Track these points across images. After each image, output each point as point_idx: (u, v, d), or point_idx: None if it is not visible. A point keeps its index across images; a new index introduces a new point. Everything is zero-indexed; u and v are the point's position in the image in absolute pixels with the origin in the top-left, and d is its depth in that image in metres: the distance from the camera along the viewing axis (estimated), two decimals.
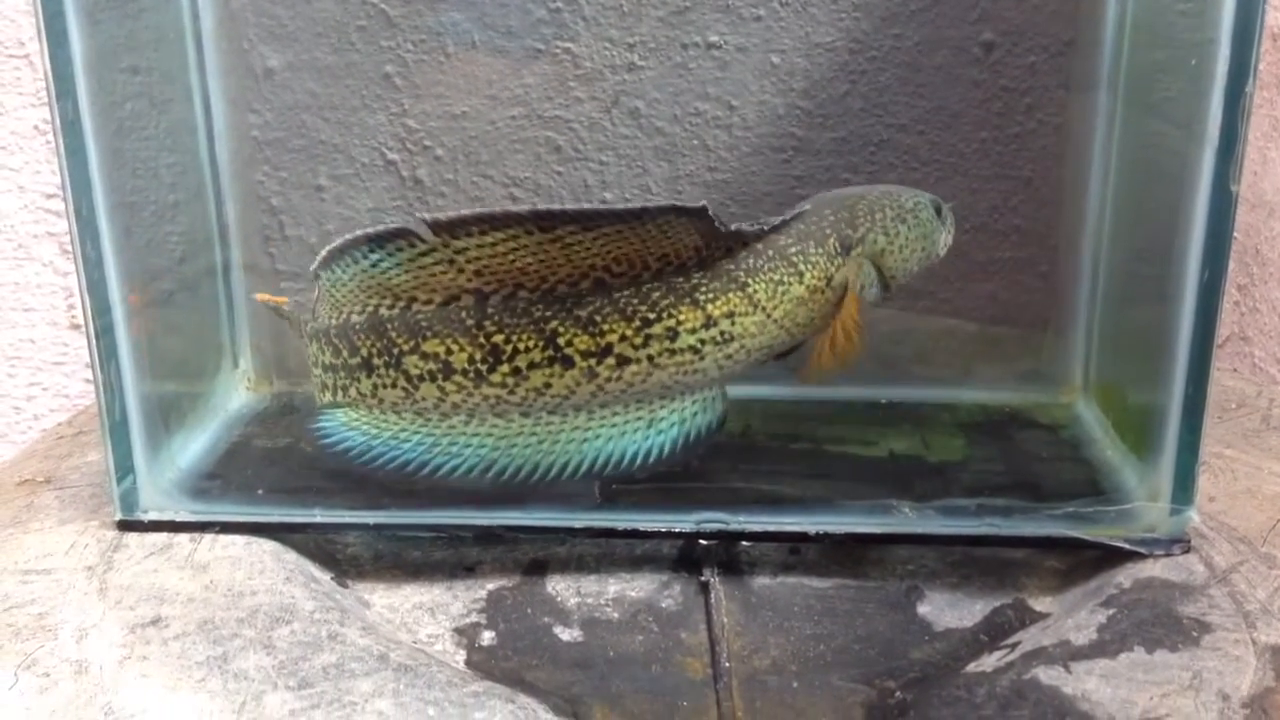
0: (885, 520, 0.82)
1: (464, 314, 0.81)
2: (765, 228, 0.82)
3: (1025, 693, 0.67)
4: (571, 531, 0.83)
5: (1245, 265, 1.24)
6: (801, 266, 0.82)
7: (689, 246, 0.80)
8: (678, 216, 0.78)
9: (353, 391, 0.84)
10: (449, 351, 0.81)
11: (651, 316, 0.80)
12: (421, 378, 0.82)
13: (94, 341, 0.81)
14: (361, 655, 0.71)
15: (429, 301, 0.81)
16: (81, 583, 0.77)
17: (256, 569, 0.79)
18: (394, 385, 0.83)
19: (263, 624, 0.73)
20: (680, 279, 0.81)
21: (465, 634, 0.78)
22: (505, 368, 0.81)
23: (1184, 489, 0.79)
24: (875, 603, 0.81)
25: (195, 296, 0.98)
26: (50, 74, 0.76)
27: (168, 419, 0.89)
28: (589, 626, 0.79)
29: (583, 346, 0.81)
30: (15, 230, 1.23)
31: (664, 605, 0.81)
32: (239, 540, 0.82)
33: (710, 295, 0.81)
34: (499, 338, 0.80)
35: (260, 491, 0.87)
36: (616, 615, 0.80)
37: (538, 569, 0.85)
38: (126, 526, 0.83)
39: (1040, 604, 0.80)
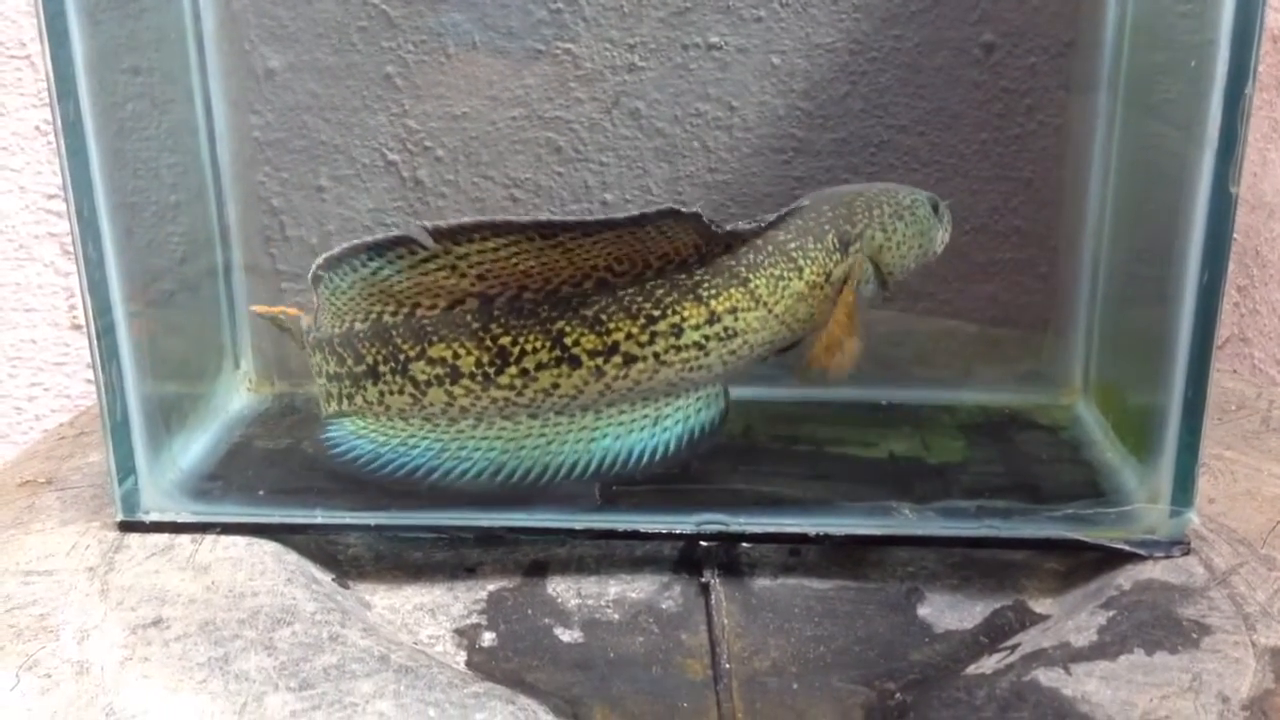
0: (885, 522, 0.82)
1: (469, 318, 0.80)
2: (762, 224, 0.82)
3: (1025, 694, 0.67)
4: (572, 533, 0.84)
5: (1245, 267, 1.24)
6: (801, 262, 0.82)
7: (689, 244, 0.80)
8: (674, 220, 0.78)
9: (359, 400, 0.84)
10: (456, 355, 0.81)
11: (656, 314, 0.81)
12: (429, 383, 0.82)
13: (95, 342, 0.81)
14: (362, 656, 0.71)
15: (433, 307, 0.81)
16: (83, 584, 0.77)
17: (258, 570, 0.79)
18: (401, 391, 0.83)
19: (264, 625, 0.73)
20: (683, 276, 0.81)
21: (466, 635, 0.78)
22: (513, 369, 0.81)
23: (1184, 491, 0.79)
24: (875, 604, 0.81)
25: (196, 297, 0.98)
26: (52, 75, 0.76)
27: (169, 420, 0.89)
28: (589, 628, 0.79)
29: (589, 346, 0.81)
30: (17, 231, 1.23)
31: (664, 606, 0.81)
32: (240, 541, 0.82)
33: (713, 291, 0.81)
34: (506, 340, 0.80)
35: (261, 492, 0.87)
36: (617, 616, 0.80)
37: (538, 570, 0.85)
38: (128, 527, 0.83)
39: (1040, 606, 0.80)
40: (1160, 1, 0.88)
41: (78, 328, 1.26)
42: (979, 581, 0.83)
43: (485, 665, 0.75)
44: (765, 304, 0.82)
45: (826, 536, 0.82)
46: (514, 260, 0.78)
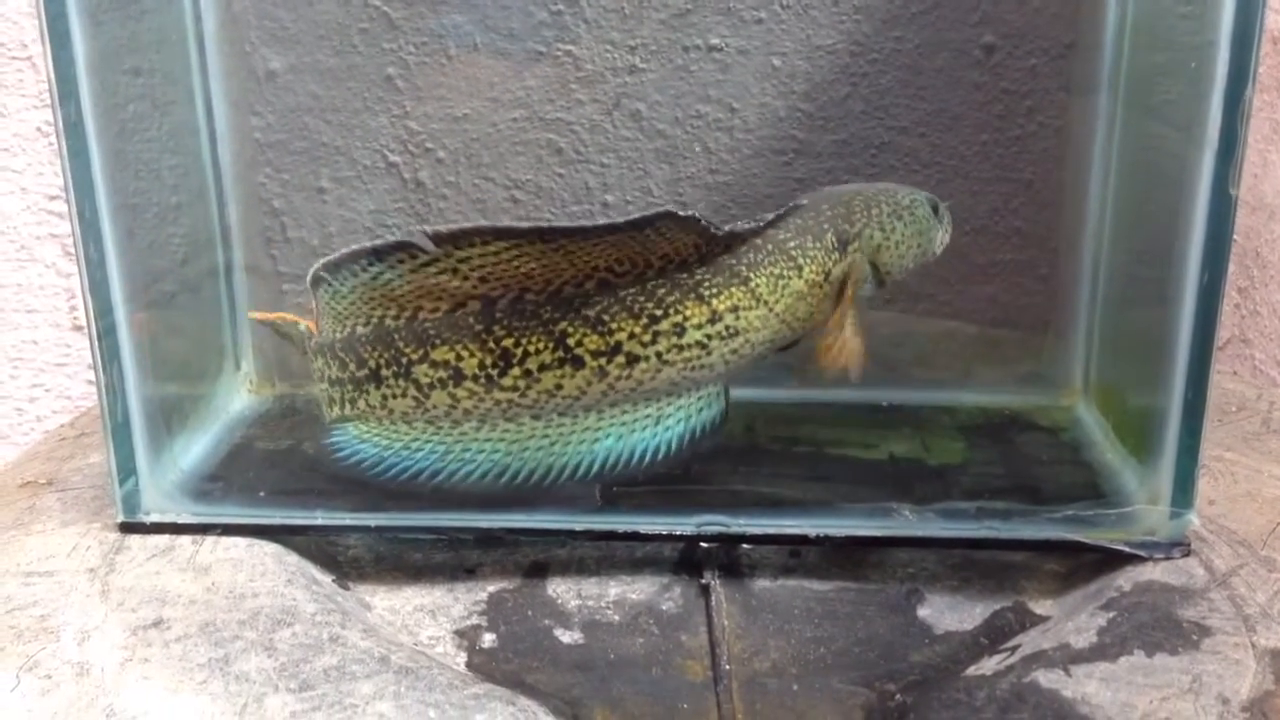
0: (885, 523, 0.82)
1: (472, 320, 0.80)
2: (761, 224, 0.82)
3: (1025, 696, 0.67)
4: (572, 534, 0.84)
5: (1246, 268, 1.24)
6: (800, 261, 0.82)
7: (689, 244, 0.80)
8: (671, 222, 0.78)
9: (361, 404, 0.84)
10: (459, 358, 0.81)
11: (659, 313, 0.81)
12: (432, 386, 0.82)
13: (96, 343, 0.81)
14: (362, 657, 0.71)
15: (435, 310, 0.81)
16: (84, 585, 0.77)
17: (258, 571, 0.79)
18: (404, 395, 0.82)
19: (264, 626, 0.73)
20: (684, 275, 0.81)
21: (466, 636, 0.78)
22: (516, 371, 0.81)
23: (1184, 492, 0.79)
24: (875, 605, 0.81)
25: (197, 298, 0.98)
26: (53, 76, 0.76)
27: (170, 421, 0.89)
28: (590, 629, 0.79)
29: (593, 346, 0.81)
30: (18, 232, 1.23)
31: (664, 608, 0.81)
32: (241, 542, 0.82)
33: (714, 290, 0.81)
34: (509, 341, 0.80)
35: (262, 494, 0.87)
36: (617, 618, 0.80)
37: (538, 571, 0.85)
38: (128, 528, 0.83)
39: (1040, 607, 0.80)
40: (1160, 3, 0.88)
41: (79, 329, 1.26)
42: (979, 583, 0.83)
43: (485, 666, 0.76)
44: (766, 302, 0.82)
45: (827, 538, 0.82)
46: (515, 262, 0.78)
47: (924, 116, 0.99)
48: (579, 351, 0.81)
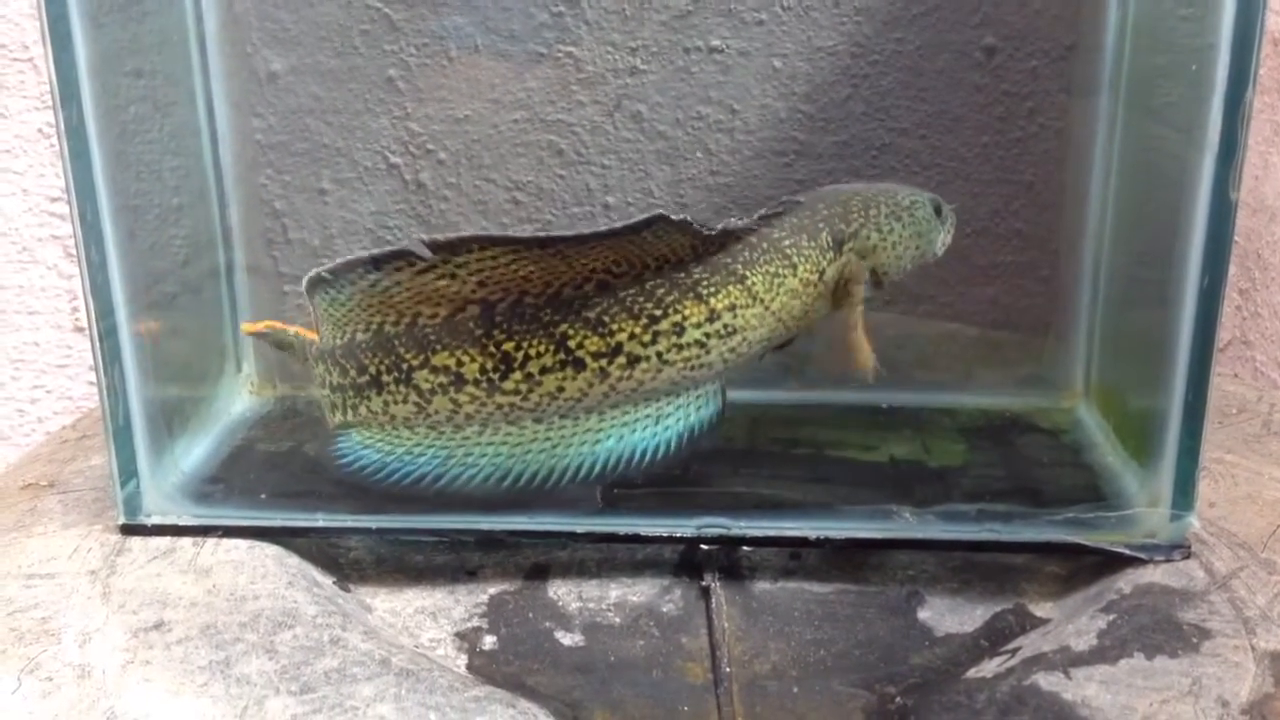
0: (886, 525, 0.82)
1: (472, 324, 0.80)
2: (754, 221, 0.82)
3: (1025, 698, 0.67)
4: (573, 536, 0.84)
5: (1247, 270, 1.24)
6: (795, 259, 0.82)
7: (685, 244, 0.80)
8: (664, 226, 0.78)
9: (363, 410, 0.84)
10: (460, 363, 0.81)
11: (658, 313, 0.81)
12: (433, 391, 0.82)
13: (97, 345, 0.81)
14: (363, 660, 0.71)
15: (434, 315, 0.81)
16: (85, 587, 0.77)
17: (259, 573, 0.79)
18: (405, 401, 0.82)
19: (265, 628, 0.73)
20: (682, 275, 0.81)
21: (467, 638, 0.79)
22: (518, 374, 0.81)
23: (1184, 494, 0.79)
24: (876, 608, 0.81)
25: (199, 300, 0.98)
26: (54, 78, 0.76)
27: (171, 423, 0.89)
28: (590, 631, 0.79)
29: (593, 348, 0.81)
30: (19, 233, 1.23)
31: (665, 610, 0.81)
32: (242, 544, 0.82)
33: (712, 289, 0.81)
34: (509, 345, 0.80)
35: (263, 496, 0.87)
36: (618, 620, 0.80)
37: (539, 573, 0.85)
38: (130, 530, 0.83)
39: (1041, 609, 0.81)
40: (1161, 5, 0.88)
41: (80, 330, 1.26)
42: (979, 585, 0.83)
43: (486, 669, 0.76)
44: (762, 301, 0.82)
45: (827, 540, 0.82)
46: (513, 266, 0.78)
47: (925, 118, 0.99)
48: (580, 354, 0.81)
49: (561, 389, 0.81)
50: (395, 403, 0.83)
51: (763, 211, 0.84)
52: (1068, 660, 0.70)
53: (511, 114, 0.99)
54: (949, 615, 0.81)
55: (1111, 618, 0.74)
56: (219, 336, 1.01)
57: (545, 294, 0.80)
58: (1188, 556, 0.79)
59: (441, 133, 1.00)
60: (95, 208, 0.79)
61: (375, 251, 0.79)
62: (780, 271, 0.82)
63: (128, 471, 0.83)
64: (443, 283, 0.79)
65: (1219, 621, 0.72)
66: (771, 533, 0.82)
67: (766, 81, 0.98)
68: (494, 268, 0.78)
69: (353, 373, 0.83)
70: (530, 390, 0.81)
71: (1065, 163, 0.99)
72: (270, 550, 0.82)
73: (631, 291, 0.81)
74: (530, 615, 0.81)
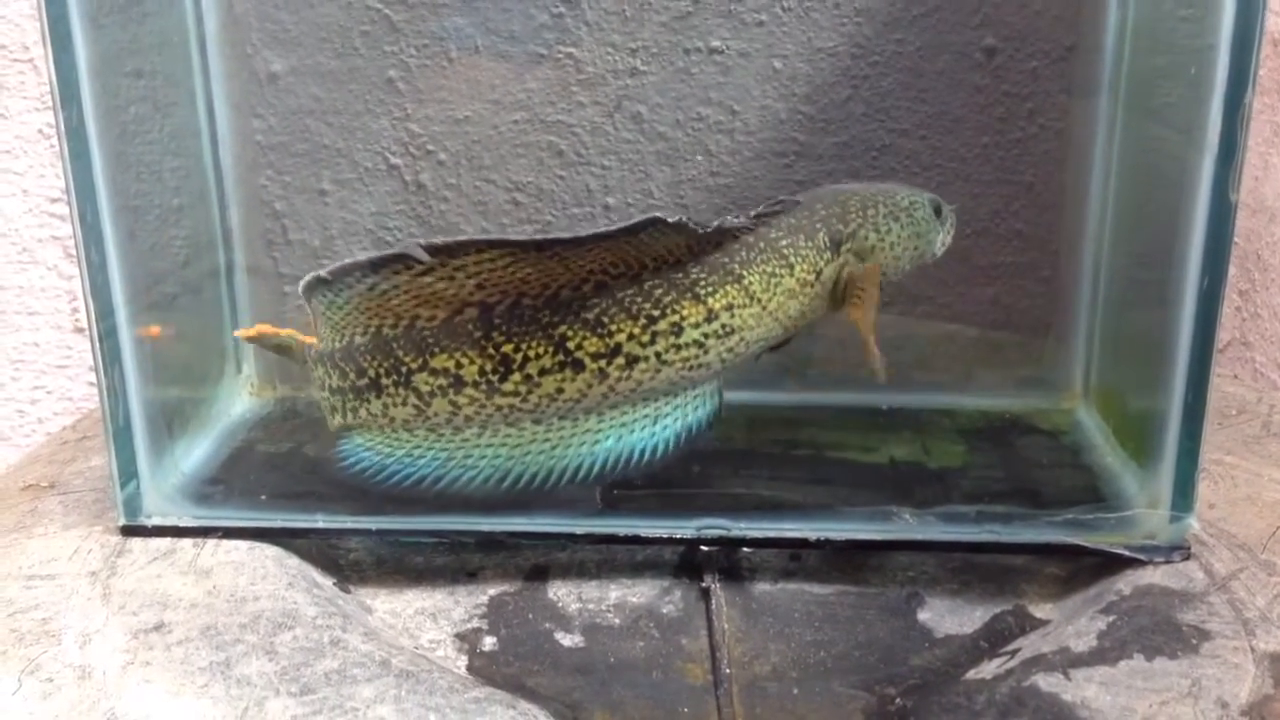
0: (886, 526, 0.83)
1: (470, 326, 0.80)
2: (750, 219, 0.82)
3: (1025, 700, 0.67)
4: (573, 537, 0.84)
5: (1246, 270, 1.24)
6: (792, 259, 0.82)
7: (681, 244, 0.80)
8: (659, 228, 0.78)
9: (363, 413, 0.84)
10: (458, 365, 0.81)
11: (656, 314, 0.81)
12: (432, 393, 0.82)
13: (98, 346, 0.81)
14: (363, 661, 0.71)
15: (432, 318, 0.81)
16: (85, 588, 0.77)
17: (259, 574, 0.79)
18: (405, 403, 0.82)
19: (265, 629, 0.73)
20: (679, 275, 0.81)
21: (467, 639, 0.79)
22: (517, 376, 0.81)
23: (1184, 496, 0.79)
24: (876, 609, 0.81)
25: (199, 301, 0.99)
26: (55, 79, 0.76)
27: (171, 424, 0.89)
28: (590, 632, 0.79)
29: (592, 349, 0.81)
30: (20, 234, 1.23)
31: (665, 611, 0.81)
32: (242, 545, 0.82)
33: (710, 289, 0.81)
34: (508, 347, 0.80)
35: (263, 497, 0.87)
36: (618, 621, 0.80)
37: (539, 574, 0.85)
38: (130, 531, 0.83)
39: (1040, 611, 0.81)
40: (1161, 6, 0.88)
41: (80, 331, 1.26)
42: (979, 586, 0.83)
43: (486, 670, 0.76)
44: (759, 300, 0.82)
45: (827, 541, 0.82)
46: (511, 269, 0.78)
47: (925, 119, 0.99)
48: (579, 355, 0.81)
49: (561, 390, 0.81)
50: (394, 405, 0.83)
51: (759, 209, 0.84)
52: (1067, 661, 0.70)
53: (512, 115, 1.00)
54: (949, 616, 0.81)
55: (1111, 619, 0.74)
56: (219, 337, 1.01)
57: (543, 296, 0.80)
58: (1187, 558, 0.79)
59: (442, 134, 1.00)
60: (95, 208, 0.79)
61: (372, 255, 0.79)
62: (777, 271, 0.82)
63: (128, 472, 0.83)
64: (440, 286, 0.79)
65: (1218, 623, 0.73)
66: (771, 534, 0.82)
67: (767, 82, 0.98)
68: (492, 270, 0.78)
69: (352, 375, 0.83)
70: (529, 392, 0.81)
71: (1065, 164, 0.99)
72: (270, 551, 0.82)
73: (630, 292, 0.81)
74: (530, 616, 0.81)
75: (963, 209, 0.95)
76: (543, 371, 0.81)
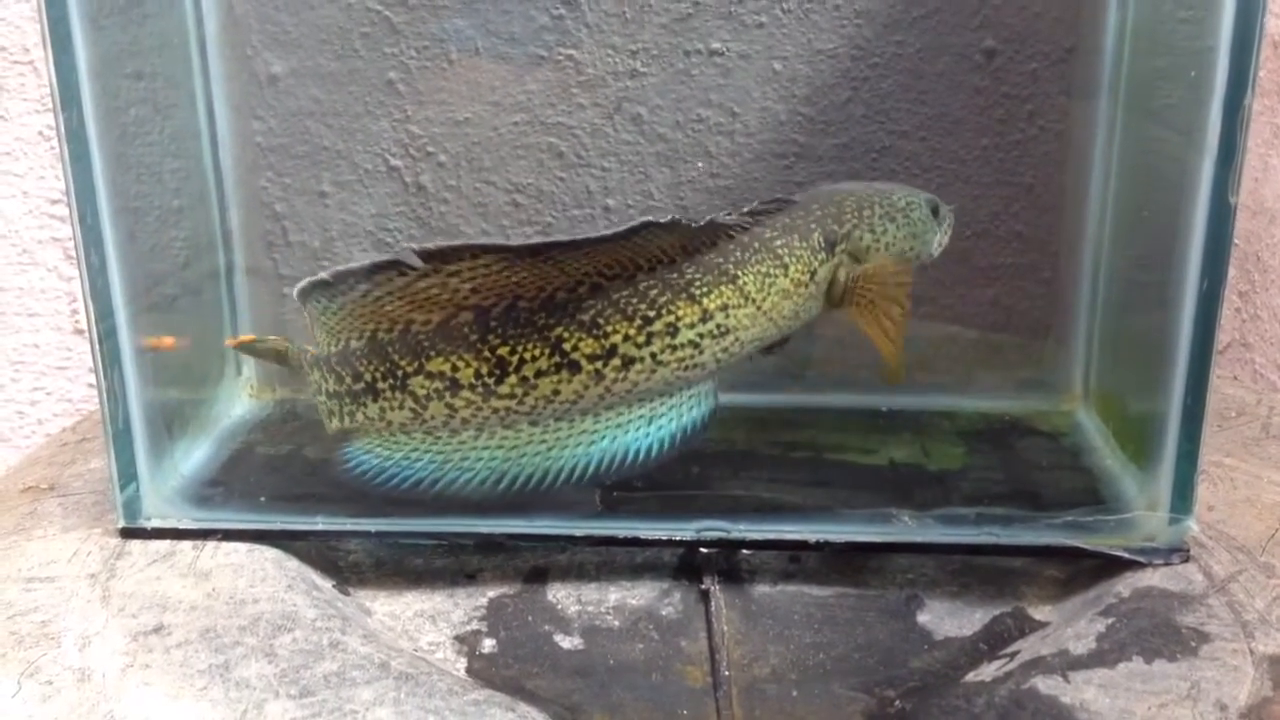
0: (885, 529, 0.82)
1: (466, 329, 0.80)
2: (744, 216, 0.82)
3: (1024, 702, 0.67)
4: (572, 539, 0.84)
5: (1246, 272, 1.24)
6: (786, 259, 0.82)
7: (675, 244, 0.80)
8: (654, 230, 0.78)
9: (359, 417, 0.84)
10: (455, 368, 0.81)
11: (651, 314, 0.81)
12: (429, 397, 0.82)
13: (97, 347, 0.81)
14: (363, 663, 0.71)
15: (428, 322, 0.81)
16: (84, 590, 0.77)
17: (258, 576, 0.79)
18: (401, 407, 0.82)
19: (264, 632, 0.73)
20: (674, 275, 0.81)
21: (466, 642, 0.79)
22: (513, 378, 0.81)
23: (1183, 498, 0.79)
24: (875, 611, 0.81)
25: (199, 302, 0.99)
26: (55, 80, 0.76)
27: (171, 426, 0.89)
28: (589, 634, 0.79)
29: (588, 350, 0.81)
30: (20, 235, 1.23)
31: (664, 613, 0.81)
32: (241, 548, 0.82)
33: (704, 289, 0.81)
34: (504, 350, 0.80)
35: (263, 499, 0.87)
36: (617, 623, 0.80)
37: (538, 577, 0.85)
38: (129, 534, 0.83)
39: (1039, 613, 0.81)
40: (1161, 7, 0.88)
41: (80, 332, 1.26)
42: (978, 588, 0.83)
43: (485, 672, 0.76)
44: (754, 300, 0.82)
45: (826, 543, 0.82)
46: (505, 273, 0.78)
47: (925, 120, 0.99)
48: (575, 356, 0.81)
49: (557, 392, 0.81)
50: (391, 409, 0.83)
51: (753, 206, 0.84)
52: (1066, 664, 0.70)
53: (512, 116, 1.00)
54: (948, 619, 0.81)
55: (1110, 621, 0.74)
56: (219, 339, 1.01)
57: (539, 298, 0.80)
58: (1186, 560, 0.79)
59: (442, 135, 1.00)
60: (95, 210, 0.79)
61: (366, 262, 0.78)
62: (772, 272, 0.82)
63: (127, 475, 0.83)
64: (435, 290, 0.79)
65: (1217, 625, 0.73)
66: (771, 536, 0.82)
67: (767, 84, 0.98)
68: (486, 275, 0.78)
69: (348, 380, 0.83)
70: (526, 394, 0.81)
71: (1065, 165, 0.99)
72: (270, 553, 0.82)
73: (625, 293, 0.81)
74: (529, 618, 0.81)
75: (962, 210, 0.95)
76: (539, 374, 0.81)
